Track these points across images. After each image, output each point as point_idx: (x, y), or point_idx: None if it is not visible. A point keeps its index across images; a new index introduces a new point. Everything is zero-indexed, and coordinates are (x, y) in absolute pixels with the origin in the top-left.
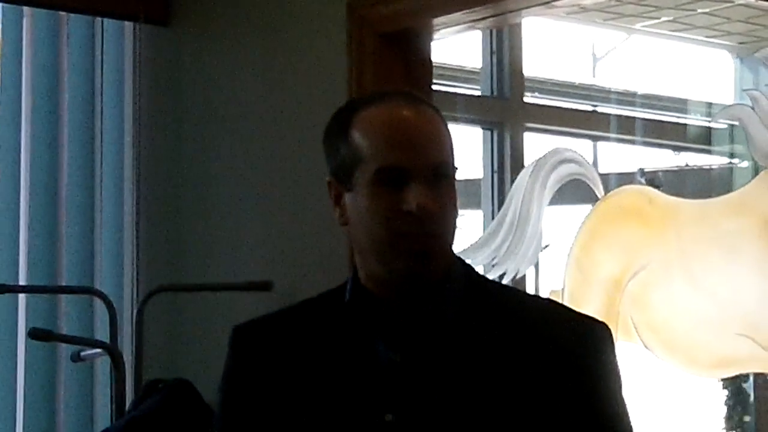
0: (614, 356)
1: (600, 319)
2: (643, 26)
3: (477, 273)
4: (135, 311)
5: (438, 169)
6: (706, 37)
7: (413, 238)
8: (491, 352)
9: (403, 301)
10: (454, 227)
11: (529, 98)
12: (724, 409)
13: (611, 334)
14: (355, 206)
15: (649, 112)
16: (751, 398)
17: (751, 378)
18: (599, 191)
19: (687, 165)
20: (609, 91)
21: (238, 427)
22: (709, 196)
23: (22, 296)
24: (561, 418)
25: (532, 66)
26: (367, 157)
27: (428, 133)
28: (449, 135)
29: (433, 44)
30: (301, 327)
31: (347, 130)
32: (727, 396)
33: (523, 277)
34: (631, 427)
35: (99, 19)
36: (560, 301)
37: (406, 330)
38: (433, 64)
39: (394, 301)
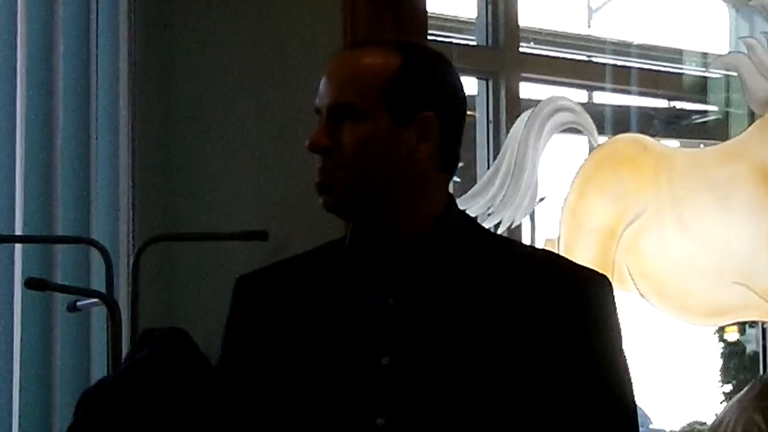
0: (614, 309)
1: (596, 268)
2: None
3: (474, 221)
4: (131, 261)
5: (339, 109)
6: None
7: (318, 173)
8: (488, 297)
9: (394, 243)
10: (368, 164)
11: (524, 48)
12: (720, 362)
13: (612, 287)
14: None
15: (644, 62)
16: (755, 348)
17: (757, 329)
18: (595, 140)
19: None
20: (604, 42)
21: (238, 375)
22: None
23: (17, 246)
24: (557, 367)
25: (527, 16)
26: None
27: (337, 76)
28: (380, 78)
29: None
30: (303, 275)
31: None
32: (723, 347)
33: (519, 227)
34: (630, 380)
35: None
36: (555, 249)
37: (399, 274)
38: (428, 15)
39: (387, 245)
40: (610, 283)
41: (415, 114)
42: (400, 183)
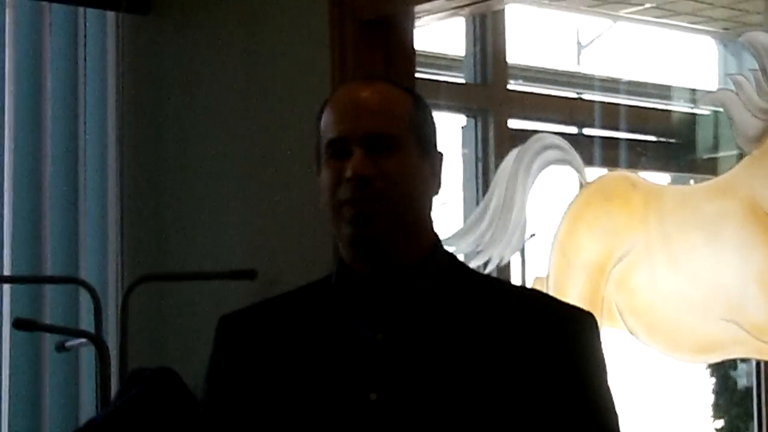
0: (600, 346)
1: (585, 305)
2: (627, 13)
3: (458, 259)
4: (119, 301)
5: (378, 139)
6: (690, 23)
7: (352, 203)
8: (476, 334)
9: (384, 279)
10: (405, 196)
11: (513, 85)
12: (712, 397)
13: (597, 324)
14: (320, 184)
15: (633, 99)
16: (746, 383)
17: (749, 364)
18: (583, 177)
19: None
20: (593, 78)
21: (223, 415)
22: None
23: (6, 286)
24: (544, 403)
25: (516, 53)
26: (324, 134)
27: (372, 106)
28: (407, 111)
29: (415, 32)
30: (287, 313)
31: (319, 116)
32: (715, 383)
33: (508, 265)
34: (617, 417)
35: (81, 8)
36: (545, 287)
37: (388, 309)
38: (416, 52)
39: (376, 280)
40: (595, 320)
41: (431, 150)
42: (421, 218)
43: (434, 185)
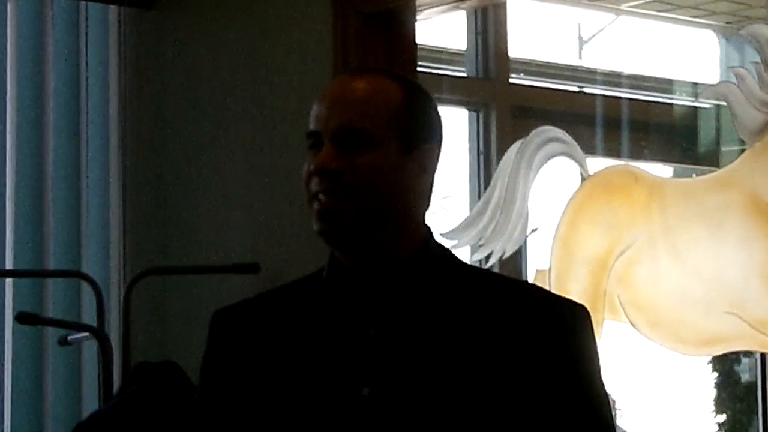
0: (592, 338)
1: (587, 299)
2: (629, 6)
3: (452, 252)
4: (122, 294)
5: (348, 134)
6: (692, 17)
7: (317, 197)
8: (467, 327)
9: (375, 273)
10: (379, 191)
11: (514, 79)
12: (714, 392)
13: (589, 317)
14: None
15: (635, 93)
16: (749, 378)
17: (752, 359)
18: (585, 171)
19: None
20: (595, 72)
21: (217, 410)
22: None
23: (8, 280)
24: (536, 397)
25: (517, 47)
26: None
27: (347, 100)
28: (389, 105)
29: (417, 26)
30: (281, 307)
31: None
32: (717, 378)
33: (510, 258)
34: (609, 409)
35: (83, 2)
36: (546, 280)
37: (380, 304)
38: (418, 46)
39: (367, 274)
40: (588, 313)
41: (419, 145)
42: (400, 213)
43: (424, 179)
